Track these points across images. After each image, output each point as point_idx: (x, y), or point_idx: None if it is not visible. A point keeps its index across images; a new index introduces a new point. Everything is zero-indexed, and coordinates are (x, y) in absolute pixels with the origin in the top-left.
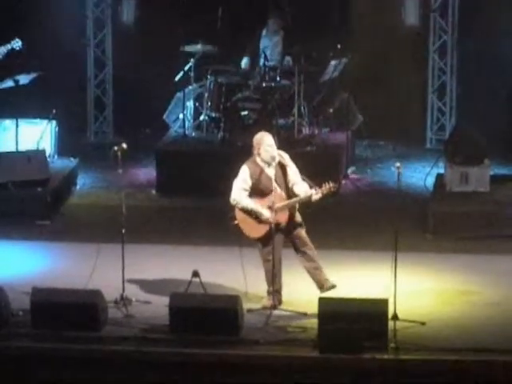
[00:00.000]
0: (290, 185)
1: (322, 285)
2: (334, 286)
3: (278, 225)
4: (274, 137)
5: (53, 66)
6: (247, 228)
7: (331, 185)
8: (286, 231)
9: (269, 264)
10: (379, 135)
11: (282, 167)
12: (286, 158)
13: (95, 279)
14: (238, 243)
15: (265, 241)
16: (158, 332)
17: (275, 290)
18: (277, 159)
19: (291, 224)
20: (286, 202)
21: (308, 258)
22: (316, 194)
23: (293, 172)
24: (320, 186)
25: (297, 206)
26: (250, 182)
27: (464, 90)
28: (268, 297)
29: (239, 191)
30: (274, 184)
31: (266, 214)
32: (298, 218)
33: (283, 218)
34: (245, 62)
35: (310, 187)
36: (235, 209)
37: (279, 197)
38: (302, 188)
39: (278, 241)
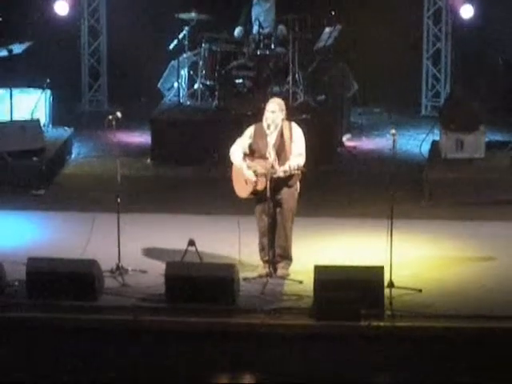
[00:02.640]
0: (288, 156)
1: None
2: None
3: (256, 191)
4: (289, 106)
5: (47, 36)
6: (236, 186)
7: (301, 168)
8: (273, 203)
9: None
10: (374, 102)
11: (283, 137)
12: (294, 131)
13: (91, 249)
14: (234, 212)
15: (255, 204)
16: (154, 301)
17: (265, 261)
18: (273, 127)
19: (274, 196)
20: (263, 170)
21: (276, 238)
22: (282, 172)
23: (293, 145)
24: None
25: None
26: (249, 141)
27: (458, 56)
28: (264, 265)
29: (236, 146)
30: (270, 150)
31: (248, 174)
32: (286, 194)
33: (261, 185)
34: (238, 32)
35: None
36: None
37: (268, 164)
38: (287, 163)
39: (259, 209)
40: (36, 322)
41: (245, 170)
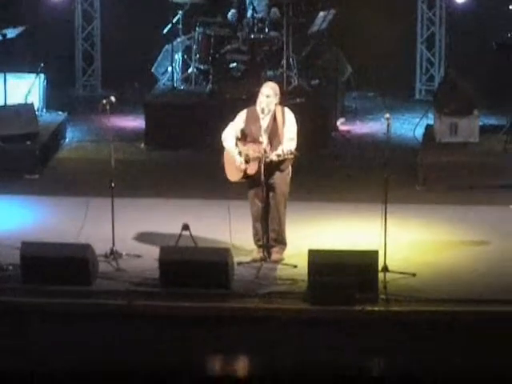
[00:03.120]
0: (280, 141)
1: (261, 251)
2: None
3: (246, 175)
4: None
5: (40, 20)
6: (228, 170)
7: (294, 153)
8: (266, 187)
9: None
10: (368, 86)
11: (276, 121)
12: (287, 116)
13: (85, 233)
14: (228, 196)
15: (248, 188)
16: (148, 285)
17: (259, 245)
18: (267, 111)
19: (267, 181)
20: (256, 154)
21: (270, 223)
22: (275, 156)
23: (285, 130)
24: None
25: (272, 161)
26: (241, 125)
27: (452, 40)
28: (258, 249)
29: (228, 130)
30: (263, 135)
31: (238, 159)
32: (278, 179)
33: (252, 169)
34: (231, 15)
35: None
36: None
37: (261, 148)
38: (280, 147)
39: (252, 194)
40: (30, 306)
41: (236, 157)
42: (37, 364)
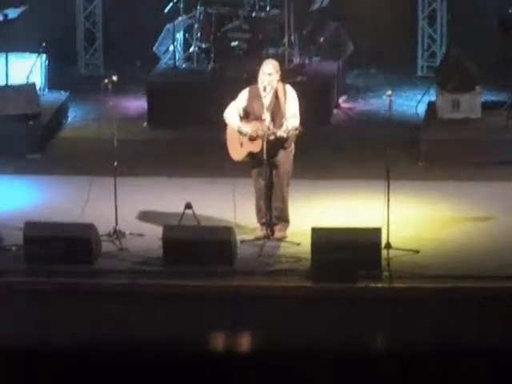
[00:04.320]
0: (283, 119)
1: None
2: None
3: (251, 153)
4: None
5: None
6: (231, 149)
7: (299, 129)
8: (268, 166)
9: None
10: (370, 64)
11: (278, 98)
12: (288, 93)
13: (88, 213)
14: (231, 174)
15: (251, 166)
16: (151, 264)
17: (262, 223)
18: (269, 89)
19: (270, 159)
20: (260, 132)
21: (273, 200)
22: (282, 131)
23: (288, 106)
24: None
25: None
26: (244, 104)
27: (454, 16)
28: (261, 227)
29: (231, 109)
30: (265, 112)
31: (246, 128)
32: (282, 156)
33: (256, 147)
34: None
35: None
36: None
37: (264, 126)
38: (285, 124)
39: (255, 172)
40: (34, 286)
41: (242, 128)
42: (40, 343)
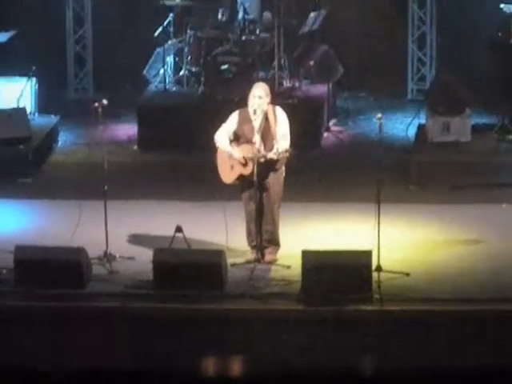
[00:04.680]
0: (274, 141)
1: (254, 252)
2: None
3: (242, 176)
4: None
5: (31, 23)
6: (222, 172)
7: (290, 151)
8: (259, 188)
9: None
10: (360, 87)
11: (268, 121)
12: (278, 115)
13: (79, 236)
14: (221, 198)
15: (241, 189)
16: (142, 288)
17: (253, 246)
18: (259, 112)
19: (261, 181)
20: (250, 154)
21: (264, 223)
22: (273, 154)
23: (278, 128)
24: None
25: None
26: (234, 127)
27: (444, 39)
28: (251, 250)
29: (221, 132)
30: (255, 135)
31: (237, 155)
32: (272, 179)
33: (247, 169)
34: (221, 13)
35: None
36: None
37: (254, 149)
38: (276, 146)
39: (246, 195)
40: (24, 310)
41: (233, 152)
42: (29, 367)
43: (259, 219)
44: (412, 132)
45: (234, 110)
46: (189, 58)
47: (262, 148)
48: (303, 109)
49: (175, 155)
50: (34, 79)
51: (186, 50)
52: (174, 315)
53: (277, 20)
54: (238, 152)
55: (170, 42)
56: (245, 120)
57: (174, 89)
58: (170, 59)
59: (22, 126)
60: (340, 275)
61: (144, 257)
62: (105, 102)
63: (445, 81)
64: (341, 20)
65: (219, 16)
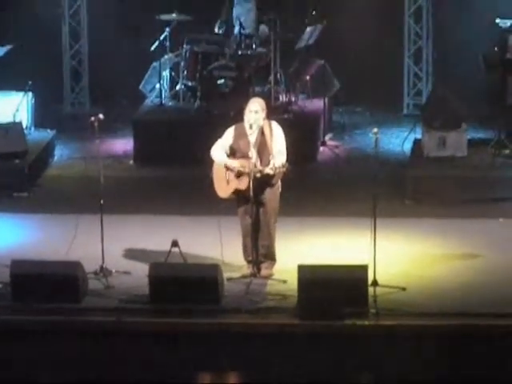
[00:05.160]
0: (270, 156)
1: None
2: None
3: (238, 190)
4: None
5: (28, 38)
6: (218, 186)
7: (286, 166)
8: (255, 203)
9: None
10: (356, 101)
11: (264, 136)
12: (274, 129)
13: (75, 251)
14: (217, 212)
15: (237, 204)
16: (138, 302)
17: (249, 261)
18: (255, 127)
19: (257, 196)
20: (246, 170)
21: (260, 238)
22: (269, 169)
23: (275, 143)
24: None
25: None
26: (230, 141)
27: (440, 54)
28: (247, 265)
29: (217, 146)
30: (252, 150)
31: (234, 163)
32: (269, 194)
33: (243, 184)
34: (218, 27)
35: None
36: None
37: (250, 163)
38: (272, 161)
39: (242, 210)
40: (20, 324)
41: (230, 162)
42: (25, 381)
43: (255, 234)
44: (408, 147)
45: (230, 125)
46: (185, 72)
47: (259, 163)
48: (299, 123)
49: (171, 170)
50: (30, 94)
51: (182, 64)
52: (170, 330)
53: (273, 34)
54: (235, 162)
55: (166, 56)
56: (241, 135)
57: (170, 103)
58: (166, 74)
59: (18, 140)
60: (336, 290)
61: (140, 271)
62: (101, 116)
63: (441, 96)
64: (337, 35)
65: (215, 30)
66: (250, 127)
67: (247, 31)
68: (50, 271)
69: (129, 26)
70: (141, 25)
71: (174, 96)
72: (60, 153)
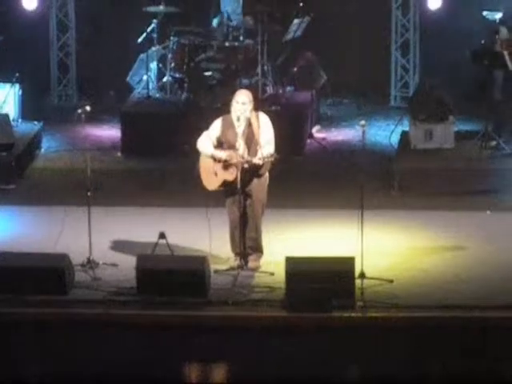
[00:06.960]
0: (258, 147)
1: (238, 259)
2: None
3: (225, 182)
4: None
5: (15, 30)
6: (205, 178)
7: (274, 155)
8: (243, 195)
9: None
10: (343, 93)
11: (252, 127)
12: (262, 120)
13: (62, 243)
14: (205, 204)
15: (225, 196)
16: (125, 294)
17: (236, 253)
18: (242, 118)
19: (244, 188)
20: (234, 160)
21: (247, 230)
22: (257, 159)
23: (262, 133)
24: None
25: (250, 167)
26: (217, 133)
27: (427, 46)
28: (235, 257)
29: (203, 137)
30: (239, 141)
31: (220, 153)
32: (256, 185)
33: (231, 175)
34: (216, 22)
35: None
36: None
37: (238, 155)
38: (260, 151)
39: (230, 201)
40: (6, 316)
41: (217, 153)
42: (12, 374)
43: (243, 226)
44: (395, 139)
45: (217, 117)
46: (172, 64)
47: (246, 154)
48: (286, 115)
49: (158, 161)
50: (17, 85)
51: (169, 56)
52: (157, 322)
53: (260, 26)
54: (222, 153)
55: (153, 48)
56: (228, 126)
57: (158, 95)
58: (153, 65)
59: (5, 132)
60: (323, 282)
61: (127, 263)
62: (88, 108)
63: (428, 88)
64: (324, 26)
65: (213, 24)
66: (238, 119)
67: (234, 23)
68: (37, 263)
69: (116, 18)
70: (128, 17)
71: (162, 88)
72: (47, 145)
